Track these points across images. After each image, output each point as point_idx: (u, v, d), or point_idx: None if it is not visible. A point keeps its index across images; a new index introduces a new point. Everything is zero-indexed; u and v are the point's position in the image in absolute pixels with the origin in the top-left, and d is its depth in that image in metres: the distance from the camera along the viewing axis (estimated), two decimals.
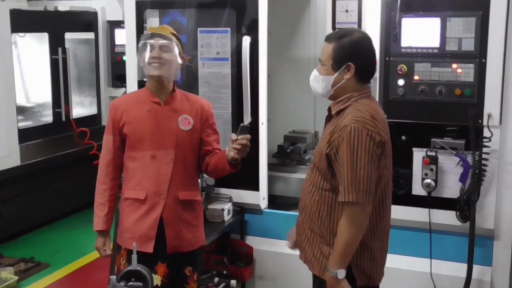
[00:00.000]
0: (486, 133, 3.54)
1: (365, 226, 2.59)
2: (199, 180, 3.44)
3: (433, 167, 3.64)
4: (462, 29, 3.55)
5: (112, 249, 3.29)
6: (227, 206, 4.14)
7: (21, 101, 5.99)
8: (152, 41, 3.13)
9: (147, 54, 3.12)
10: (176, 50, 3.16)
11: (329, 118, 2.78)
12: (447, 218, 3.69)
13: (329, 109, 2.77)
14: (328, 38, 2.72)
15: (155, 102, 3.19)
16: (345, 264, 2.59)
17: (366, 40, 2.71)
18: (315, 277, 2.81)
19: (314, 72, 2.76)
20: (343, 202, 2.57)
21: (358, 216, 2.55)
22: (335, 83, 2.68)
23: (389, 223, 2.80)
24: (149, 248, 3.13)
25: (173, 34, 3.20)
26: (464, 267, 3.64)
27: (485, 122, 3.54)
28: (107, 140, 3.23)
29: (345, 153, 2.54)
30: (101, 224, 3.20)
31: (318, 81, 2.73)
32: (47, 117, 6.08)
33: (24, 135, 5.63)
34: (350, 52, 2.64)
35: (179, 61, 3.19)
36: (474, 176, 3.55)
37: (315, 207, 2.71)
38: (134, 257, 2.25)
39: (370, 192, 2.54)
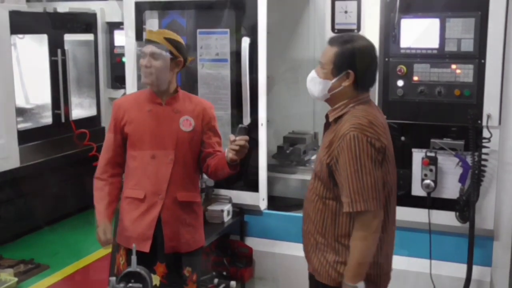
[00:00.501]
0: (485, 133, 3.54)
1: (379, 232, 2.53)
2: (199, 182, 3.44)
3: (433, 167, 3.64)
4: (461, 29, 3.55)
5: (112, 249, 3.29)
6: (227, 207, 4.14)
7: (20, 102, 5.96)
8: (143, 48, 3.15)
9: (139, 62, 3.18)
10: (168, 57, 3.13)
11: (327, 125, 2.72)
12: (446, 218, 3.69)
13: (327, 116, 2.71)
14: (332, 42, 2.64)
15: (156, 103, 3.19)
16: (363, 276, 2.54)
17: (369, 49, 2.63)
18: (317, 285, 2.74)
19: (312, 74, 2.68)
20: (351, 213, 2.51)
21: (371, 224, 2.49)
22: (332, 88, 2.61)
23: (393, 229, 2.76)
24: (146, 247, 3.13)
25: (168, 38, 3.16)
26: (463, 267, 3.64)
27: (484, 123, 3.55)
28: (108, 138, 3.26)
29: (346, 162, 2.48)
30: (103, 219, 3.21)
31: (316, 83, 2.66)
32: (47, 119, 6.06)
33: (24, 136, 5.61)
34: (352, 59, 2.57)
35: (174, 66, 3.17)
36: (474, 177, 3.55)
37: (319, 215, 2.67)
38: (134, 258, 2.25)
39: (379, 198, 2.49)
